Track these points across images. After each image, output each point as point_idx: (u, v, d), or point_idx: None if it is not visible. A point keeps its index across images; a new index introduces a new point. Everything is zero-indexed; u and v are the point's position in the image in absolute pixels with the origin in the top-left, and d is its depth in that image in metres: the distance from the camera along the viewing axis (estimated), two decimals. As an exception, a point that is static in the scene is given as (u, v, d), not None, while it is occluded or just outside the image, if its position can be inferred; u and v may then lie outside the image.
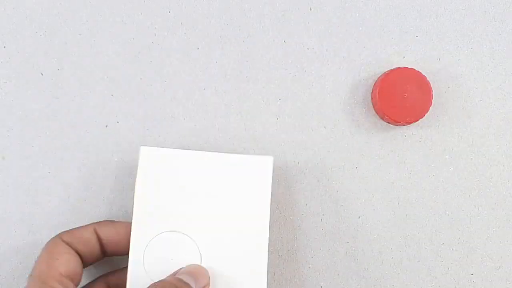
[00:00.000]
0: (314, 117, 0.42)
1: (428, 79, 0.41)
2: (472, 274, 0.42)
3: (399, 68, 0.41)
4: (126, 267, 0.34)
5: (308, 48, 0.43)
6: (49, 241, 0.33)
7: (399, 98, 0.41)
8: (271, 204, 0.36)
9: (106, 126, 0.42)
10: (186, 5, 0.42)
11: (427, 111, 0.41)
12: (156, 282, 0.31)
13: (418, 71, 0.41)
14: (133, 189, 0.35)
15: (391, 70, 0.41)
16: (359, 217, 0.42)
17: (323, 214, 0.42)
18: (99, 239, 0.34)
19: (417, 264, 0.42)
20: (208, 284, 0.33)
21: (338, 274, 0.42)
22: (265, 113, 0.42)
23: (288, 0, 0.43)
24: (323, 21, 0.43)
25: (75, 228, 0.34)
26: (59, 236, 0.33)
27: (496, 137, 0.43)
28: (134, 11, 0.42)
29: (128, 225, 0.34)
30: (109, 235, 0.34)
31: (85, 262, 0.34)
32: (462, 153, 0.43)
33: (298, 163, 0.42)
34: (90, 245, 0.33)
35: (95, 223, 0.34)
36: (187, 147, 0.42)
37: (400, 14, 0.43)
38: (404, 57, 0.43)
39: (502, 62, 0.43)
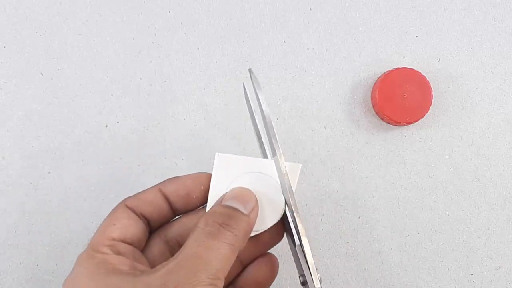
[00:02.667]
0: (314, 117, 0.42)
1: (428, 79, 0.41)
2: (472, 274, 0.42)
3: (399, 68, 0.41)
4: (180, 218, 0.33)
5: (308, 48, 0.43)
6: (114, 207, 0.31)
7: (399, 98, 0.41)
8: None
9: (106, 126, 0.42)
10: (186, 5, 0.42)
11: (427, 111, 0.41)
12: (203, 215, 0.29)
13: (418, 71, 0.41)
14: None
15: (391, 70, 0.41)
16: (359, 217, 0.42)
17: (323, 214, 0.42)
18: (166, 197, 0.32)
19: (417, 264, 0.42)
20: (257, 205, 0.31)
21: (338, 274, 0.42)
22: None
23: (288, 0, 0.43)
24: (323, 21, 0.43)
25: (140, 192, 0.32)
26: (123, 202, 0.31)
27: (496, 137, 0.43)
28: (134, 11, 0.42)
29: (192, 177, 0.32)
30: (175, 190, 0.32)
31: (154, 224, 0.32)
32: (462, 153, 0.43)
33: (298, 163, 0.42)
34: (157, 206, 0.31)
35: (159, 183, 0.32)
36: (187, 147, 0.42)
37: (400, 14, 0.43)
38: (404, 57, 0.43)
39: (502, 62, 0.43)
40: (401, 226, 0.42)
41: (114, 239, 0.29)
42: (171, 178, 0.32)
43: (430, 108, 0.41)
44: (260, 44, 0.43)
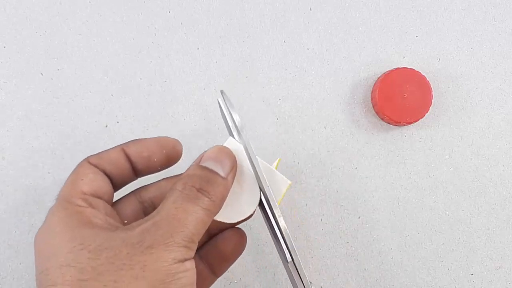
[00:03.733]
0: (314, 117, 0.42)
1: (428, 79, 0.41)
2: (472, 274, 0.42)
3: (399, 68, 0.41)
4: (159, 182, 0.33)
5: (308, 48, 0.43)
6: (77, 165, 0.31)
7: (399, 98, 0.41)
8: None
9: (106, 126, 0.42)
10: (186, 5, 0.42)
11: (427, 111, 0.41)
12: (179, 176, 0.29)
13: (418, 71, 0.41)
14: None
15: (391, 70, 0.41)
16: (359, 217, 0.42)
17: (323, 214, 0.42)
18: (128, 158, 0.32)
19: (417, 264, 0.42)
20: (235, 164, 0.31)
21: (338, 274, 0.42)
22: (265, 113, 0.42)
23: (288, 0, 0.43)
24: (323, 21, 0.43)
25: (103, 151, 0.32)
26: (86, 159, 0.31)
27: (496, 137, 0.43)
28: (134, 11, 0.42)
29: (156, 140, 0.32)
30: (137, 151, 0.32)
31: (116, 183, 0.32)
32: (462, 153, 0.43)
33: (298, 163, 0.42)
34: (119, 165, 0.31)
35: (122, 144, 0.32)
36: (187, 147, 0.42)
37: (400, 14, 0.43)
38: (404, 57, 0.43)
39: (502, 62, 0.43)
40: (401, 226, 0.42)
41: (85, 193, 0.29)
42: (135, 139, 0.32)
43: (430, 108, 0.41)
44: (260, 44, 0.43)
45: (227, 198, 0.30)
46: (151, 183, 0.33)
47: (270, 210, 0.31)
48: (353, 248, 0.42)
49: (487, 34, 0.43)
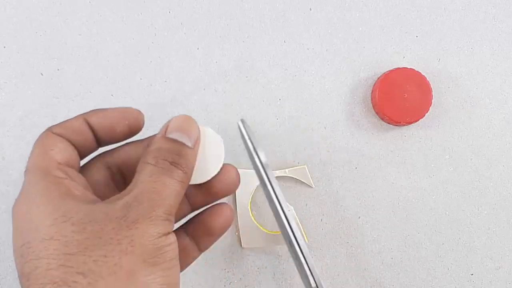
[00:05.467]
0: (314, 117, 0.42)
1: (428, 79, 0.41)
2: (472, 274, 0.42)
3: (399, 68, 0.41)
4: (122, 147, 0.33)
5: (308, 48, 0.43)
6: (40, 136, 0.31)
7: (399, 98, 0.41)
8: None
9: (106, 126, 0.42)
10: (186, 5, 0.42)
11: (427, 111, 0.41)
12: (151, 150, 0.29)
13: (418, 71, 0.41)
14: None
15: (391, 71, 0.41)
16: (359, 217, 0.42)
17: (323, 214, 0.42)
18: (90, 127, 0.31)
19: (417, 264, 0.42)
20: (199, 134, 0.31)
21: (338, 274, 0.42)
22: (265, 113, 0.42)
23: (288, 0, 0.43)
24: (323, 21, 0.43)
25: (64, 120, 0.32)
26: (49, 129, 0.30)
27: (496, 137, 0.43)
28: (134, 11, 0.42)
29: (119, 110, 0.32)
30: (100, 121, 0.31)
31: (80, 153, 0.31)
32: (462, 153, 0.43)
33: (298, 163, 0.42)
34: (82, 134, 0.31)
35: (83, 113, 0.32)
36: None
37: (400, 14, 0.43)
38: (404, 57, 0.43)
39: (502, 62, 0.43)
40: (401, 226, 0.42)
41: (60, 163, 0.29)
42: (97, 109, 0.32)
43: (430, 108, 0.41)
44: (260, 44, 0.43)
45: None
46: (113, 149, 0.33)
47: (295, 239, 0.33)
48: (353, 248, 0.42)
49: (487, 34, 0.43)
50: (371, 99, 0.42)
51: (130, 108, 0.32)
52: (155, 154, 0.29)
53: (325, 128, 0.42)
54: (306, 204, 0.42)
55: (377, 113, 0.42)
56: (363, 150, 0.42)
